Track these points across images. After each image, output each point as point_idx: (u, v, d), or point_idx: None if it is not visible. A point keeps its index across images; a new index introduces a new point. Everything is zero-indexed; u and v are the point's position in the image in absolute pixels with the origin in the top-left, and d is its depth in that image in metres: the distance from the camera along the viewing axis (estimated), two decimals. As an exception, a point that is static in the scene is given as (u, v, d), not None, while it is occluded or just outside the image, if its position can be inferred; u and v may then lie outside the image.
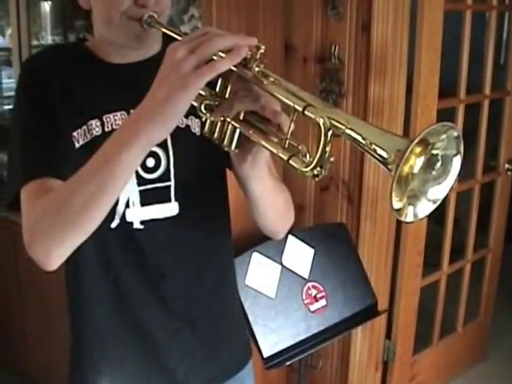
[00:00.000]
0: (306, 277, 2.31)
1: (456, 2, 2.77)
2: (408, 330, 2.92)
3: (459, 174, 0.91)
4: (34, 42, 3.33)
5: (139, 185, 1.26)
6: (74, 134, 1.23)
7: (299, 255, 2.31)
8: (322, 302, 2.31)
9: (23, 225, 1.14)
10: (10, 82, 3.61)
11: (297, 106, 0.93)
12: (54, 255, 1.11)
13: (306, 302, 2.27)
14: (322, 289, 2.32)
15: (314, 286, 2.31)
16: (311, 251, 2.34)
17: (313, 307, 2.28)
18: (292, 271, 2.29)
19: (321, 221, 2.69)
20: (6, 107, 4.12)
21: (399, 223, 2.70)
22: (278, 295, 2.22)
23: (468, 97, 2.90)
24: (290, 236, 2.27)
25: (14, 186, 1.19)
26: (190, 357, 1.39)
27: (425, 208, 0.90)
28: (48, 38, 3.45)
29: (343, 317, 2.34)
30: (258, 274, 2.19)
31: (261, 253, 2.22)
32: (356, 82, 2.47)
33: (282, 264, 2.27)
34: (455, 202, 3.04)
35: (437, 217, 3.03)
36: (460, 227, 3.32)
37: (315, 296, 2.29)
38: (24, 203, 1.16)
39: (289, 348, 2.18)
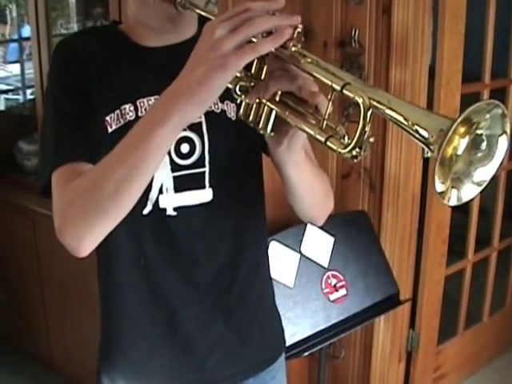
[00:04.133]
0: (326, 266, 2.27)
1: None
2: (432, 319, 2.87)
3: (506, 154, 0.88)
4: (62, 31, 3.34)
5: (173, 171, 1.24)
6: (107, 118, 1.21)
7: (319, 244, 2.28)
8: (342, 292, 2.27)
9: (53, 210, 1.12)
10: (32, 72, 3.62)
11: (335, 85, 0.90)
12: (86, 241, 1.09)
13: (325, 291, 2.23)
14: (342, 278, 2.28)
15: (333, 275, 2.27)
16: (331, 239, 2.30)
17: (332, 296, 2.24)
18: (311, 260, 2.25)
19: (342, 208, 2.64)
20: (29, 97, 4.16)
21: (423, 211, 2.65)
22: (296, 284, 2.18)
23: (493, 82, 2.83)
24: (309, 224, 2.23)
25: (46, 170, 1.17)
26: (222, 348, 1.36)
27: (469, 191, 0.88)
28: (74, 27, 3.45)
29: (364, 306, 2.30)
30: (276, 263, 2.15)
31: (279, 241, 2.19)
32: (377, 66, 2.42)
33: (300, 253, 2.23)
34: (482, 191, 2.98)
35: (462, 205, 2.97)
36: (487, 216, 3.26)
37: (335, 285, 2.25)
38: (55, 188, 1.14)
39: (307, 338, 2.15)
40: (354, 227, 2.41)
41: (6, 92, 5.30)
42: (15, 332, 3.39)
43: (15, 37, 5.44)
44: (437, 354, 3.00)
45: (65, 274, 2.91)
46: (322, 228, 2.28)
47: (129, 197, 1.04)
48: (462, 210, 3.01)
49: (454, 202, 0.86)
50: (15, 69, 5.23)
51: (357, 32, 2.42)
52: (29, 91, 4.32)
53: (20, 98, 4.73)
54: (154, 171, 1.04)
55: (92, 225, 1.07)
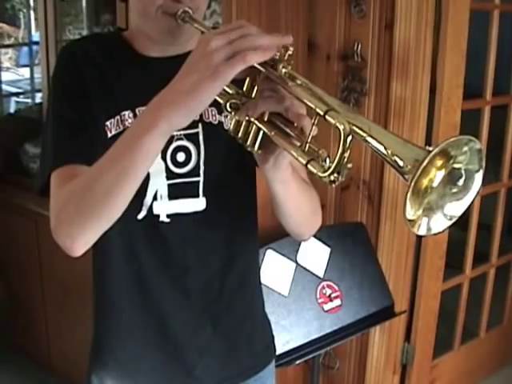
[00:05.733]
0: (321, 276, 2.29)
1: (483, 1, 2.72)
2: (428, 333, 2.88)
3: (479, 191, 0.89)
4: (70, 37, 3.37)
5: (168, 178, 1.27)
6: (107, 123, 1.24)
7: (315, 254, 2.30)
8: (337, 302, 2.29)
9: (50, 210, 1.15)
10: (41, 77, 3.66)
11: (318, 110, 0.92)
12: (79, 242, 1.11)
13: (319, 301, 2.25)
14: (336, 288, 2.30)
15: (328, 286, 2.29)
16: (327, 250, 2.32)
17: (327, 306, 2.26)
18: (307, 270, 2.27)
19: (340, 220, 2.66)
20: (38, 101, 4.19)
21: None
22: (291, 293, 2.20)
23: (494, 98, 2.85)
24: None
25: (45, 171, 1.21)
26: (210, 354, 1.38)
27: (440, 223, 0.88)
28: (83, 33, 3.49)
29: (358, 317, 2.32)
30: (272, 272, 2.18)
31: (275, 250, 2.21)
32: (378, 80, 2.44)
33: (296, 262, 2.25)
34: (485, 207, 2.99)
35: (463, 222, 2.99)
36: (487, 231, 3.27)
37: (329, 295, 2.27)
38: (52, 189, 1.17)
39: (300, 346, 2.17)
40: (351, 239, 2.43)
41: (17, 95, 5.35)
42: (15, 332, 3.41)
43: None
44: (432, 367, 3.00)
45: (66, 276, 2.93)
46: (318, 238, 2.31)
47: (119, 200, 1.06)
48: (461, 225, 3.03)
49: (423, 232, 0.87)
50: (27, 72, 5.27)
51: (359, 46, 2.44)
52: (38, 95, 4.36)
53: (30, 101, 4.78)
54: (144, 175, 1.06)
55: (85, 226, 1.10)
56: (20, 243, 3.23)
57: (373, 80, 2.46)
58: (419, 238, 2.69)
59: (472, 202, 0.89)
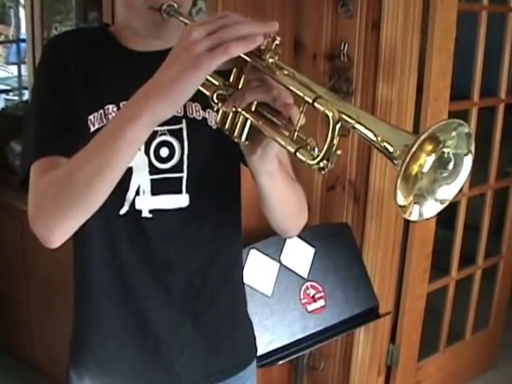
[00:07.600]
0: (305, 276, 2.29)
1: (471, 2, 2.72)
2: (413, 334, 2.88)
3: (469, 174, 0.89)
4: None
5: (151, 173, 1.26)
6: (90, 117, 1.23)
7: (299, 254, 2.29)
8: (321, 303, 2.28)
9: (28, 201, 1.14)
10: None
11: (307, 98, 0.92)
12: (57, 233, 1.10)
13: (303, 301, 2.25)
14: (320, 289, 2.29)
15: (312, 286, 2.28)
16: (311, 250, 2.32)
17: (310, 307, 2.25)
18: (290, 270, 2.26)
19: (326, 220, 2.66)
20: (25, 98, 4.17)
21: (406, 226, 2.66)
22: (274, 293, 2.20)
23: (482, 100, 2.85)
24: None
25: (25, 162, 1.20)
26: (191, 351, 1.38)
27: (432, 208, 0.88)
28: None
29: (342, 318, 2.31)
30: (255, 272, 2.17)
31: (259, 250, 2.20)
32: (365, 80, 2.44)
33: (280, 262, 2.24)
34: (471, 208, 2.99)
35: (449, 223, 2.99)
36: (475, 233, 3.27)
37: (313, 296, 2.27)
38: (31, 180, 1.17)
39: (283, 347, 2.16)
40: (335, 240, 2.42)
41: (5, 92, 5.32)
42: (1, 332, 3.38)
43: (18, 38, 5.47)
44: (417, 369, 3.00)
45: (50, 274, 2.92)
46: (302, 239, 2.30)
47: (100, 191, 1.05)
48: (449, 226, 3.02)
49: (415, 218, 0.88)
50: (16, 70, 5.25)
51: (346, 46, 2.44)
52: (26, 92, 4.34)
53: (18, 98, 4.75)
54: (126, 166, 1.05)
55: (63, 216, 1.09)
56: (5, 241, 3.21)
57: (359, 80, 2.46)
58: (405, 238, 2.69)
59: (463, 185, 0.89)
